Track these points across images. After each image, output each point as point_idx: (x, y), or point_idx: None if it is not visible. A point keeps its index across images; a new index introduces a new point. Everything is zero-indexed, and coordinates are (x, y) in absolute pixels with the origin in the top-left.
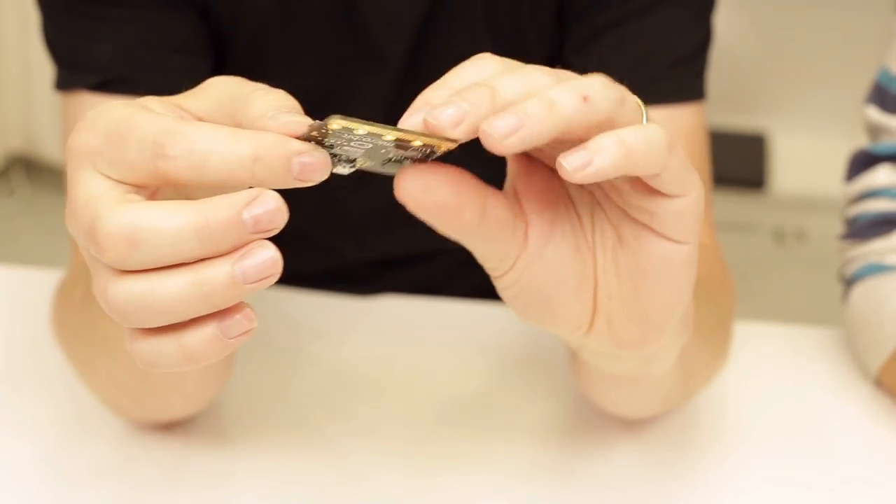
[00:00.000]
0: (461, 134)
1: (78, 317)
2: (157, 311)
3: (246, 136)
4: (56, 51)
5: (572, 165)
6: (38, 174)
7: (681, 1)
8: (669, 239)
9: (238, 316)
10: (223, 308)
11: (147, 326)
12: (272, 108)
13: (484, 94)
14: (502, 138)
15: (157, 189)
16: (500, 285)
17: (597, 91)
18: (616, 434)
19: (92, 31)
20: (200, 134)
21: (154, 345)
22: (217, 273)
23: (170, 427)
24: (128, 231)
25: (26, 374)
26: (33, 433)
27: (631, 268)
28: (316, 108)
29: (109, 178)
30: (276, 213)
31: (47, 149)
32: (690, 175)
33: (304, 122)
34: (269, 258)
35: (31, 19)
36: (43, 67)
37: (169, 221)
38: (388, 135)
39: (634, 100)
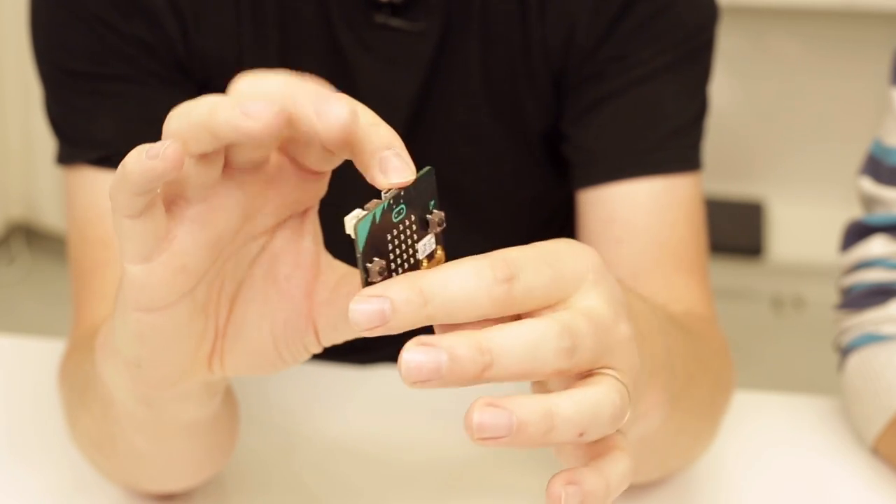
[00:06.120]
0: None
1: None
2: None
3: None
4: (58, 126)
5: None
6: (39, 242)
7: (677, 73)
8: None
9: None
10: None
11: None
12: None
13: (476, 360)
14: (477, 439)
15: None
16: None
17: (597, 423)
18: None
19: (93, 107)
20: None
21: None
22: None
23: (170, 498)
24: None
25: (25, 443)
26: (32, 502)
27: None
28: None
29: None
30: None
31: (48, 217)
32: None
33: None
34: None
35: (33, 89)
36: (44, 136)
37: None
38: None
39: (627, 404)
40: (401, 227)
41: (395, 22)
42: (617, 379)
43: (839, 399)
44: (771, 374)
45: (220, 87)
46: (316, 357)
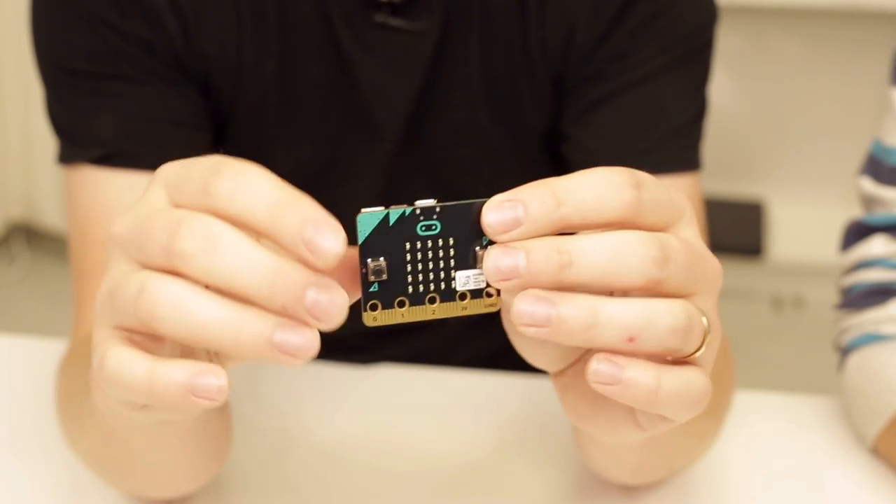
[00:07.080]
0: (504, 287)
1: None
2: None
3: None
4: (58, 125)
5: (597, 376)
6: (39, 242)
7: (676, 73)
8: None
9: (213, 378)
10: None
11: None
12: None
13: (551, 259)
14: (521, 324)
15: None
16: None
17: (651, 330)
18: (616, 503)
19: (93, 106)
20: (216, 224)
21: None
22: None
23: (169, 501)
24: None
25: (25, 443)
26: (32, 502)
27: None
28: (315, 179)
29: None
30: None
31: (48, 217)
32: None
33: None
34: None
35: (33, 89)
36: (44, 136)
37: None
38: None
39: (700, 327)
40: (429, 244)
41: (395, 21)
42: (689, 302)
43: (839, 399)
44: (771, 374)
45: (221, 86)
46: (315, 356)
